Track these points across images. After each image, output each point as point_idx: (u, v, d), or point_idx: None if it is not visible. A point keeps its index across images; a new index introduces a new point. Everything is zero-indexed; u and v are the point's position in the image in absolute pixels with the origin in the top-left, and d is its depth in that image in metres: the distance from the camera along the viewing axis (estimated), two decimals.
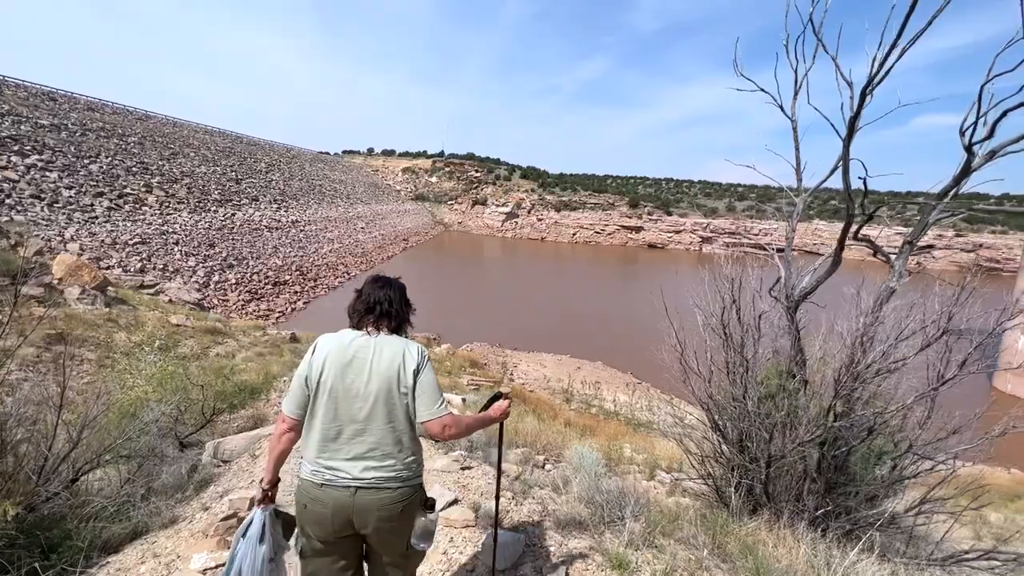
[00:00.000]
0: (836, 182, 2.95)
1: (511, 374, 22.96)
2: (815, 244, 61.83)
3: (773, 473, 2.88)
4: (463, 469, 3.87)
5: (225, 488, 3.40)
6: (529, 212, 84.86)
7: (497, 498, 2.39)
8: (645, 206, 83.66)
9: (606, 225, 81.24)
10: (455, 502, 2.94)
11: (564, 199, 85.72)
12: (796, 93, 3.27)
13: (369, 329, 1.95)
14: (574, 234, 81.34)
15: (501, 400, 2.21)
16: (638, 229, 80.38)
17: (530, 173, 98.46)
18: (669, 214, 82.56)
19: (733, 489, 3.05)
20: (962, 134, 2.34)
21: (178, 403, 4.78)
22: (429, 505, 2.01)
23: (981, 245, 71.33)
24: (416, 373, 1.88)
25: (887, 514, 2.69)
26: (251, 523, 1.93)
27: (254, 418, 5.56)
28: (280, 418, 1.94)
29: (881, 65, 2.33)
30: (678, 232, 79.99)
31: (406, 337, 2.04)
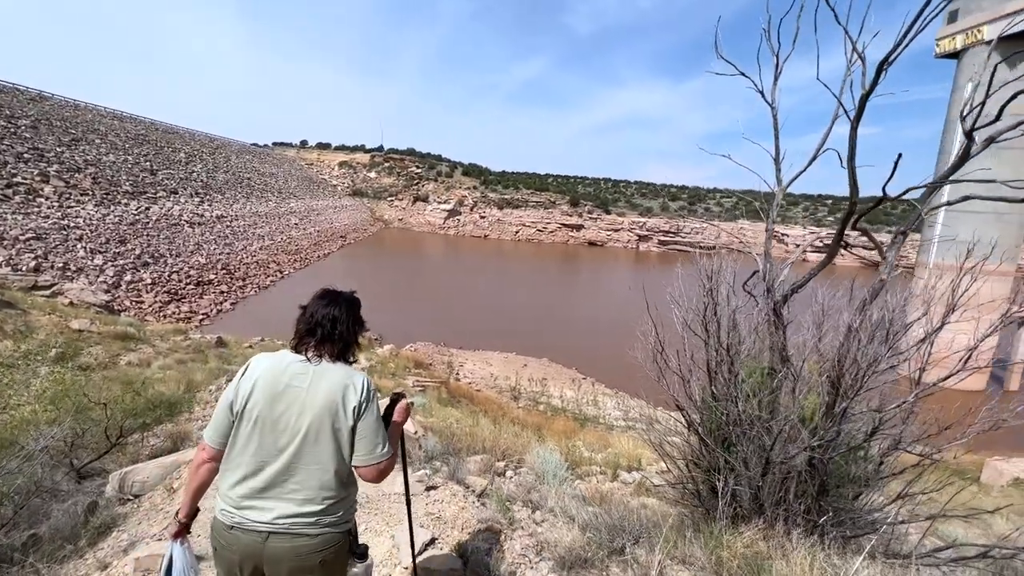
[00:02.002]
0: (803, 184, 2.88)
1: (457, 373, 22.50)
2: (740, 243, 65.41)
3: (769, 479, 2.72)
4: (428, 490, 3.44)
5: (132, 536, 2.75)
6: (471, 209, 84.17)
7: (410, 523, 2.19)
8: (585, 205, 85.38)
9: (548, 223, 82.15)
10: (432, 543, 2.52)
11: (506, 197, 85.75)
12: (776, 78, 3.14)
13: (309, 354, 1.74)
14: (517, 232, 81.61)
15: (401, 401, 2.00)
16: (579, 227, 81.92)
17: (472, 170, 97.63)
18: (608, 213, 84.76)
19: (720, 495, 2.87)
20: (963, 119, 2.26)
21: (73, 424, 4.02)
22: (360, 553, 1.81)
23: (882, 243, 78.86)
24: (357, 411, 1.69)
25: (889, 518, 2.61)
26: (171, 560, 1.74)
27: (173, 437, 4.82)
28: (200, 446, 1.74)
29: (903, 38, 2.21)
30: (617, 230, 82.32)
31: (352, 362, 1.83)
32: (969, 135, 2.27)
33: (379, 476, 1.73)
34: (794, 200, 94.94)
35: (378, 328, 24.51)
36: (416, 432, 5.75)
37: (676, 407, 3.50)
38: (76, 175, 30.23)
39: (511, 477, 5.28)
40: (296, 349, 1.77)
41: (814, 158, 3.13)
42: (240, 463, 1.66)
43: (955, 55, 28.46)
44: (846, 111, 2.55)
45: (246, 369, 1.74)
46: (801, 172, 3.22)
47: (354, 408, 1.68)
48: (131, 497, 3.30)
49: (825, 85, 2.60)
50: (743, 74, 3.15)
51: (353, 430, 1.69)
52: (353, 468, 1.72)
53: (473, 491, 3.64)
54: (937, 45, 28.95)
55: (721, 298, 3.38)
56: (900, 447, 2.64)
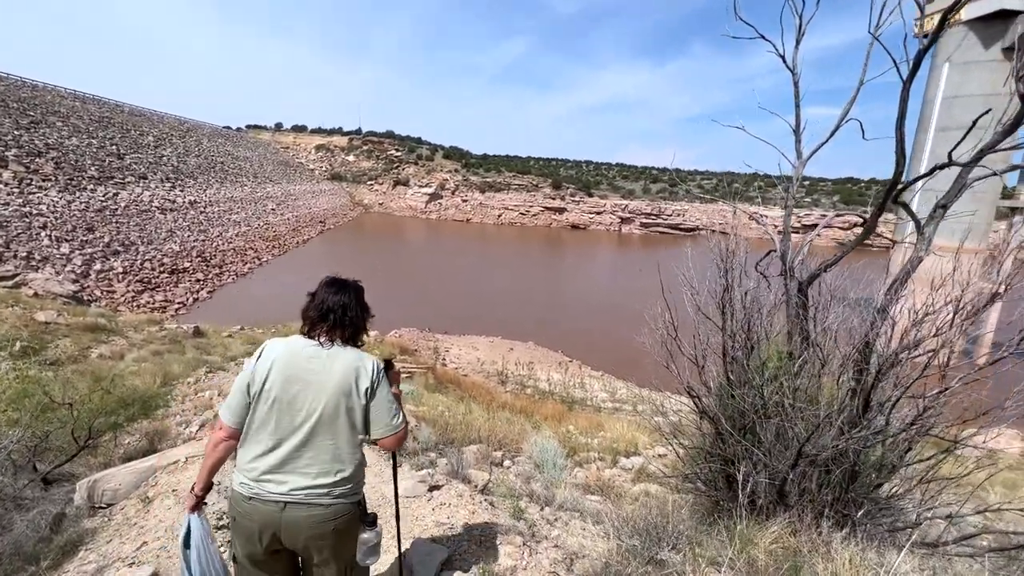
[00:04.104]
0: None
1: (443, 359, 22.31)
2: (721, 224, 65.95)
3: (797, 470, 2.58)
4: (432, 490, 3.20)
5: (101, 558, 2.42)
6: (453, 193, 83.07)
7: (397, 516, 2.22)
8: (568, 188, 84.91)
9: (531, 206, 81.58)
10: (449, 561, 2.26)
11: (489, 180, 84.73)
12: (798, 41, 2.92)
13: (322, 339, 1.86)
14: (499, 215, 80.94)
15: (393, 369, 2.14)
16: (561, 210, 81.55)
17: (453, 153, 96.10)
18: (590, 195, 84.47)
19: (740, 487, 2.72)
20: (1019, 80, 2.08)
21: (36, 425, 3.68)
22: (370, 521, 1.93)
23: (855, 224, 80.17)
24: (369, 391, 1.82)
25: (931, 511, 2.50)
26: (189, 531, 1.85)
27: (150, 435, 4.51)
28: (217, 424, 1.84)
29: None
30: (599, 213, 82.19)
31: (361, 346, 1.96)
32: None
33: (398, 443, 1.91)
34: (772, 182, 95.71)
35: None
36: (409, 423, 5.54)
37: (688, 394, 3.33)
38: (37, 159, 28.74)
39: (509, 467, 5.11)
40: (308, 334, 1.87)
41: (836, 128, 2.94)
42: (258, 440, 1.76)
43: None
44: (898, 67, 2.34)
45: (261, 352, 1.84)
46: (822, 144, 3.03)
47: (366, 389, 1.81)
48: (103, 506, 2.99)
49: (878, 40, 2.38)
50: (763, 37, 2.93)
51: (366, 408, 1.82)
52: (374, 441, 1.87)
53: (476, 486, 3.44)
54: (915, 24, 29.08)
55: (736, 279, 3.20)
56: (931, 433, 2.51)
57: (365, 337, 1.98)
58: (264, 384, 1.77)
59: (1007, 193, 29.05)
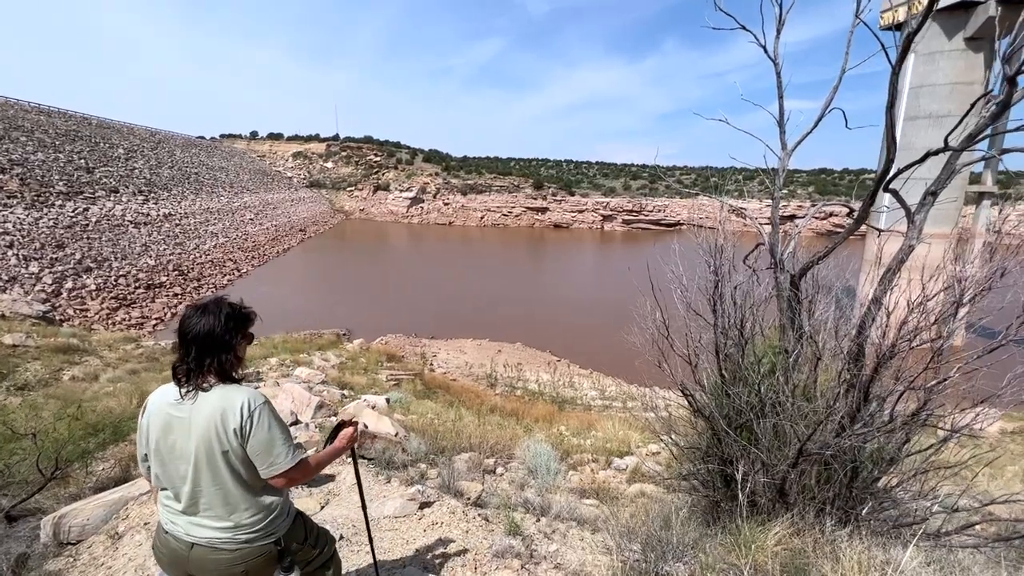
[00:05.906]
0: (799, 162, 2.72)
1: (431, 364, 22.09)
2: (700, 218, 66.78)
3: (798, 468, 2.52)
4: (423, 507, 3.07)
5: None
6: (435, 196, 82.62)
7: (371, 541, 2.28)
8: (549, 187, 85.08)
9: (513, 207, 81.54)
10: None
11: (470, 182, 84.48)
12: (779, 31, 2.87)
13: (184, 379, 1.70)
14: (482, 217, 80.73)
15: (346, 428, 2.11)
16: (544, 210, 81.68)
17: (433, 156, 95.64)
18: (572, 194, 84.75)
19: (740, 488, 2.66)
20: (1005, 62, 2.05)
21: None
22: (285, 567, 1.81)
23: (831, 213, 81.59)
24: (240, 433, 1.67)
25: (935, 503, 2.46)
26: None
27: (123, 462, 4.29)
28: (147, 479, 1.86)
29: None
30: (581, 212, 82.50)
31: (239, 379, 1.78)
32: (1012, 81, 2.06)
33: (290, 483, 1.78)
34: (750, 175, 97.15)
35: (345, 322, 23.76)
36: (397, 434, 5.38)
37: (682, 392, 3.26)
38: (1, 176, 27.79)
39: (502, 475, 5.01)
40: (175, 374, 1.72)
41: (821, 118, 2.90)
42: (165, 487, 1.75)
43: (899, 27, 29.30)
44: (887, 52, 2.30)
45: (144, 406, 1.76)
46: (807, 135, 3.00)
47: (235, 430, 1.66)
48: (71, 543, 2.80)
49: (864, 23, 2.35)
50: (744, 28, 2.88)
51: (244, 449, 1.68)
52: (266, 479, 1.75)
53: (469, 499, 3.32)
54: (881, 17, 29.69)
55: (726, 275, 3.14)
56: (929, 424, 2.47)
57: (240, 368, 1.79)
58: (147, 438, 1.73)
59: (974, 178, 29.83)
